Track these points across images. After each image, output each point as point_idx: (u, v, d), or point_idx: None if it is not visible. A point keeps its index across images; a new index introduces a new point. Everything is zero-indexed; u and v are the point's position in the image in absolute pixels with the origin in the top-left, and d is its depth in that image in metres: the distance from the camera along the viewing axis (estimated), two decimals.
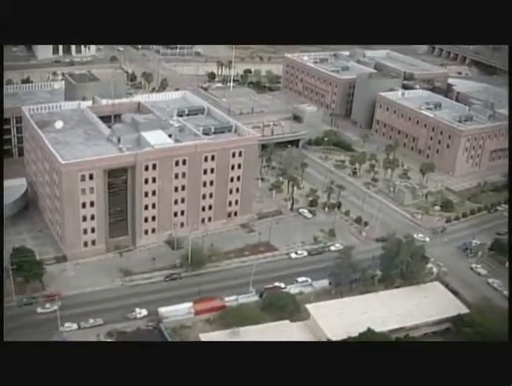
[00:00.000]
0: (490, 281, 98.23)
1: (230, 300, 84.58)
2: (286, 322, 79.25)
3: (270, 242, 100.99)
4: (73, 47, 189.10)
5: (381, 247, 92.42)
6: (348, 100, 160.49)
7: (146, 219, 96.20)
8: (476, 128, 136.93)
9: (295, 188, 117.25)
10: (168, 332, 78.74)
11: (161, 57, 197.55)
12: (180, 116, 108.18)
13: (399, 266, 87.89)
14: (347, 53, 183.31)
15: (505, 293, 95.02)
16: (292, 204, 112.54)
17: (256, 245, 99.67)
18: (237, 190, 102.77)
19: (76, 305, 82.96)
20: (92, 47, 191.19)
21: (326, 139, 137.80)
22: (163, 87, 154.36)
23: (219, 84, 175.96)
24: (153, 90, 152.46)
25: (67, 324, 79.03)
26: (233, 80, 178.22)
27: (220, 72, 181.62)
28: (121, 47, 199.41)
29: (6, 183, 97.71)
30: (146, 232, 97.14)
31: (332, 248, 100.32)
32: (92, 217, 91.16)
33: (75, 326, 79.38)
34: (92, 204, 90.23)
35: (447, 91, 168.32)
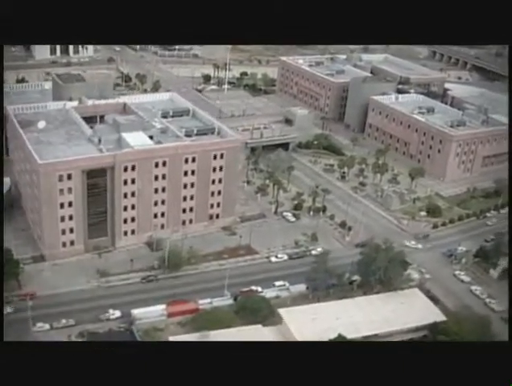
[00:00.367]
0: (473, 288, 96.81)
1: (204, 303, 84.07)
2: (259, 326, 78.48)
3: (251, 245, 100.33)
4: (71, 48, 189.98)
5: (359, 252, 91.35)
6: (341, 103, 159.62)
7: (125, 221, 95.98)
8: (468, 133, 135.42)
9: (281, 191, 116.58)
10: (140, 334, 78.51)
11: (158, 58, 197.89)
12: (165, 117, 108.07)
13: (377, 272, 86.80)
14: (344, 57, 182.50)
15: (488, 300, 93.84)
16: (276, 207, 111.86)
17: (236, 248, 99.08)
18: (219, 192, 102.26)
19: (50, 306, 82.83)
20: (90, 48, 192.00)
21: (315, 143, 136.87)
22: (155, 88, 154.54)
23: (213, 87, 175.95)
24: (145, 91, 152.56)
25: (39, 324, 78.92)
26: (229, 83, 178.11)
27: (216, 75, 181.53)
28: (117, 47, 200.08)
29: None
30: (125, 234, 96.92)
31: (314, 252, 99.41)
32: (71, 217, 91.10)
33: (47, 326, 79.28)
34: (70, 205, 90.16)
35: (443, 96, 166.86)
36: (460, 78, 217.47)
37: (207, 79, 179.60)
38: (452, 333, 77.80)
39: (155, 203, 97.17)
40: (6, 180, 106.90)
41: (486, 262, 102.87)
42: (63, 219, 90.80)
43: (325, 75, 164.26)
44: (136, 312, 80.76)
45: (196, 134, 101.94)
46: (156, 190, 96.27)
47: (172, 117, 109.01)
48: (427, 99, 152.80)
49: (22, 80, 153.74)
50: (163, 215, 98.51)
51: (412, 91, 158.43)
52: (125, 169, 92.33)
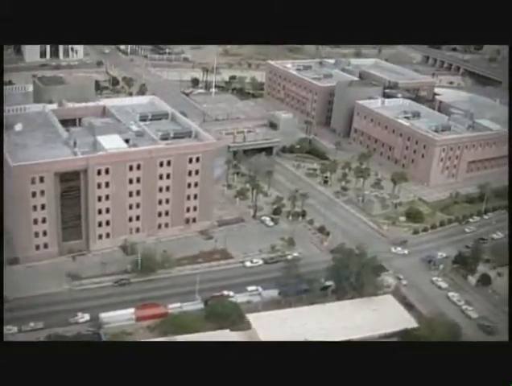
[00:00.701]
0: (450, 294, 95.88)
1: (174, 307, 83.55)
2: (227, 331, 77.88)
3: (227, 250, 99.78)
4: (61, 51, 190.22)
5: (332, 258, 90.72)
6: (328, 107, 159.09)
7: (100, 224, 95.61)
8: (452, 138, 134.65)
9: (262, 196, 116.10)
10: (107, 338, 77.97)
11: (148, 62, 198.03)
12: (144, 120, 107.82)
13: (349, 277, 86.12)
14: (332, 61, 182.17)
15: (464, 307, 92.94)
16: (255, 212, 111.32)
17: (211, 252, 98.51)
18: (196, 196, 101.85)
19: (21, 308, 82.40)
20: (80, 51, 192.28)
21: (298, 147, 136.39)
22: (141, 91, 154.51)
23: (201, 90, 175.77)
24: (130, 94, 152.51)
25: (8, 327, 78.39)
26: (217, 86, 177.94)
27: (205, 78, 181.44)
28: (107, 50, 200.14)
29: None
30: (100, 237, 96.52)
31: (290, 257, 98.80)
32: (44, 220, 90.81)
33: (15, 329, 78.86)
34: (43, 207, 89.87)
35: (431, 100, 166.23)
36: (451, 83, 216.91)
37: (195, 82, 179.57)
38: (423, 340, 76.89)
39: (130, 207, 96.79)
40: None
41: (465, 268, 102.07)
42: (36, 221, 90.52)
43: (312, 80, 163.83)
44: (104, 316, 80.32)
45: (173, 138, 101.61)
46: (131, 194, 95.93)
47: (151, 120, 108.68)
48: (414, 103, 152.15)
49: (10, 83, 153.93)
50: (138, 218, 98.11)
51: (399, 95, 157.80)
52: (99, 172, 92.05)
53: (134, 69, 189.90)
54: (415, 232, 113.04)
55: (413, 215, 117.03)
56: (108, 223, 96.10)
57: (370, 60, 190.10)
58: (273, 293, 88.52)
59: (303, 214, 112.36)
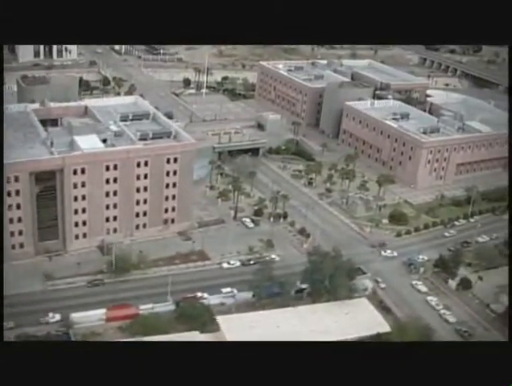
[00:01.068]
0: (429, 299, 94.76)
1: (146, 308, 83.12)
2: (196, 333, 77.20)
3: (205, 251, 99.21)
4: (54, 51, 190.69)
5: (308, 260, 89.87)
6: (318, 109, 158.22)
7: (76, 224, 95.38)
8: (440, 140, 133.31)
9: (244, 197, 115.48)
10: (77, 338, 77.67)
11: (141, 62, 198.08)
12: (124, 120, 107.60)
13: (323, 281, 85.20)
14: (325, 62, 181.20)
15: (442, 311, 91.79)
16: (236, 213, 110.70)
17: (188, 254, 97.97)
18: (174, 197, 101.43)
19: None
20: (74, 51, 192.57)
21: (284, 148, 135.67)
22: (130, 92, 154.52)
23: (192, 91, 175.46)
24: (117, 94, 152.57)
25: None
26: (209, 87, 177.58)
27: (197, 79, 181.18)
28: (100, 50, 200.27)
29: None
30: (76, 237, 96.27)
31: (268, 259, 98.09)
32: (19, 220, 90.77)
33: None
34: (18, 207, 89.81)
35: (423, 102, 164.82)
36: (447, 85, 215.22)
37: (187, 83, 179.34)
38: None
39: (107, 207, 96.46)
40: None
41: (446, 272, 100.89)
42: (11, 221, 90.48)
43: (302, 80, 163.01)
44: (74, 316, 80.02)
45: (152, 138, 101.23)
46: (107, 194, 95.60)
47: (132, 120, 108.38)
48: (404, 105, 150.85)
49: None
50: (115, 218, 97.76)
51: (390, 97, 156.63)
52: (75, 172, 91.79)
53: (126, 69, 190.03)
54: (398, 235, 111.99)
55: (397, 218, 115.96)
56: (84, 223, 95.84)
57: (364, 62, 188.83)
58: (247, 295, 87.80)
59: (285, 215, 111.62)
